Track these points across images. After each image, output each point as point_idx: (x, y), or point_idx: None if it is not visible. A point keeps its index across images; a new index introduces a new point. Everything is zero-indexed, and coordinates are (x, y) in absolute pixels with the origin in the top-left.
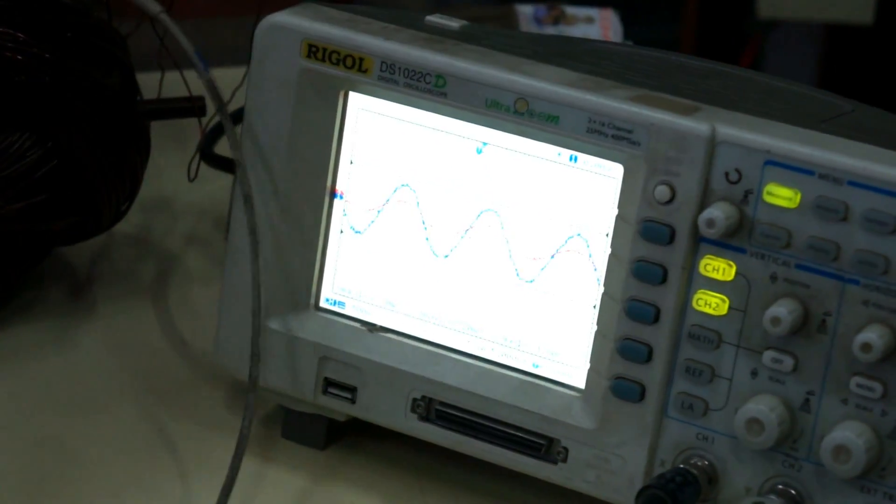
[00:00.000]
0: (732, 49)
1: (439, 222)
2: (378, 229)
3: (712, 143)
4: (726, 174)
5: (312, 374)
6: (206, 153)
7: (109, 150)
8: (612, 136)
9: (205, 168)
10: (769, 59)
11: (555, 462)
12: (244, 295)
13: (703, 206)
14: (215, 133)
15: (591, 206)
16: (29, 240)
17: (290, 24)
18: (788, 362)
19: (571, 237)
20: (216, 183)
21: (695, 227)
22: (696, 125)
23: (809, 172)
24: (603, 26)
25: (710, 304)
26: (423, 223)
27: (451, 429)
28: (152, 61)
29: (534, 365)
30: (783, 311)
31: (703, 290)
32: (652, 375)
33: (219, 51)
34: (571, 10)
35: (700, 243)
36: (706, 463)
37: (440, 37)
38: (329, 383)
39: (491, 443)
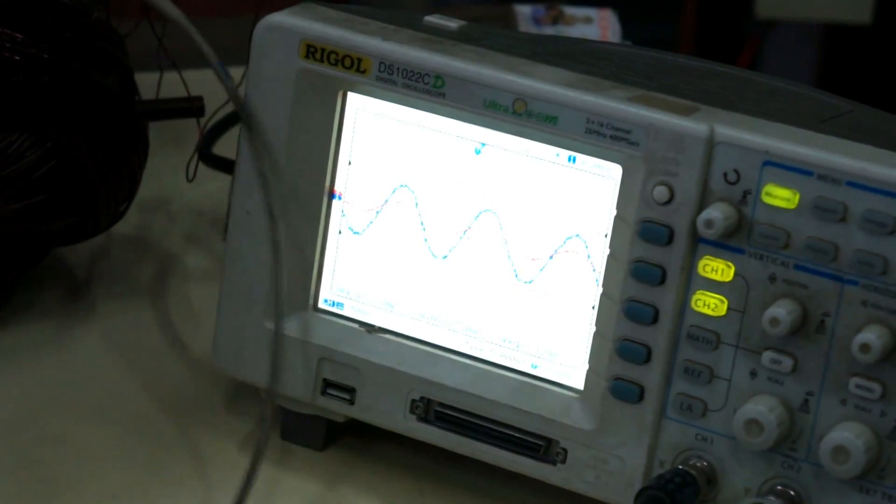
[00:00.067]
0: (731, 49)
1: (438, 223)
2: (377, 230)
3: (711, 144)
4: (725, 175)
5: (311, 375)
6: (205, 153)
7: (108, 150)
8: (611, 137)
9: (203, 168)
10: (768, 59)
11: (554, 463)
12: (243, 296)
13: (701, 206)
14: (214, 133)
15: (589, 207)
16: (27, 240)
17: (288, 24)
18: (787, 363)
19: (570, 238)
20: (215, 183)
21: (693, 227)
22: (694, 126)
23: (808, 173)
24: (601, 26)
25: (709, 304)
26: (422, 224)
27: (449, 430)
28: (151, 61)
29: (532, 366)
30: (782, 311)
31: (701, 291)
32: (651, 376)
33: (218, 51)
34: (570, 11)
35: (699, 244)
36: (705, 464)
37: (438, 37)
38: (328, 384)
39: (490, 444)
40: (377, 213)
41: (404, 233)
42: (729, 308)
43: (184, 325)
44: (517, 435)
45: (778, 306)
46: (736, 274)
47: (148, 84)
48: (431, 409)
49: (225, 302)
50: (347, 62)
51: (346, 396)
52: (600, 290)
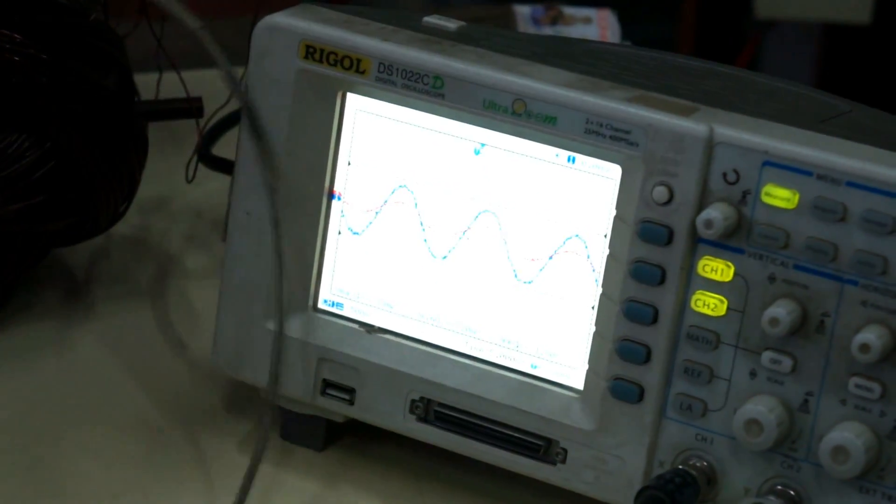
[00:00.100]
0: (730, 49)
1: (437, 223)
2: (376, 230)
3: (710, 144)
4: (724, 175)
5: (311, 375)
6: (204, 154)
7: (107, 150)
8: (610, 137)
9: (202, 169)
10: (767, 59)
11: (553, 463)
12: (243, 296)
13: (701, 206)
14: (213, 134)
15: (589, 207)
16: (27, 241)
17: (287, 25)
18: (787, 363)
19: (569, 238)
20: (214, 184)
21: (693, 227)
22: (694, 126)
23: (807, 173)
24: (601, 27)
25: (709, 304)
26: (422, 224)
27: (449, 430)
28: (150, 62)
29: (532, 366)
30: (782, 311)
31: (701, 291)
32: (650, 376)
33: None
34: (569, 11)
35: (698, 244)
36: (705, 464)
37: (438, 38)
38: (327, 384)
39: (489, 444)
40: (377, 213)
41: (404, 233)
42: (728, 308)
43: (183, 325)
44: (517, 435)
45: (777, 306)
46: (735, 274)
47: (147, 85)
48: (431, 410)
49: (224, 302)
50: (347, 63)
51: (346, 397)
52: (600, 290)
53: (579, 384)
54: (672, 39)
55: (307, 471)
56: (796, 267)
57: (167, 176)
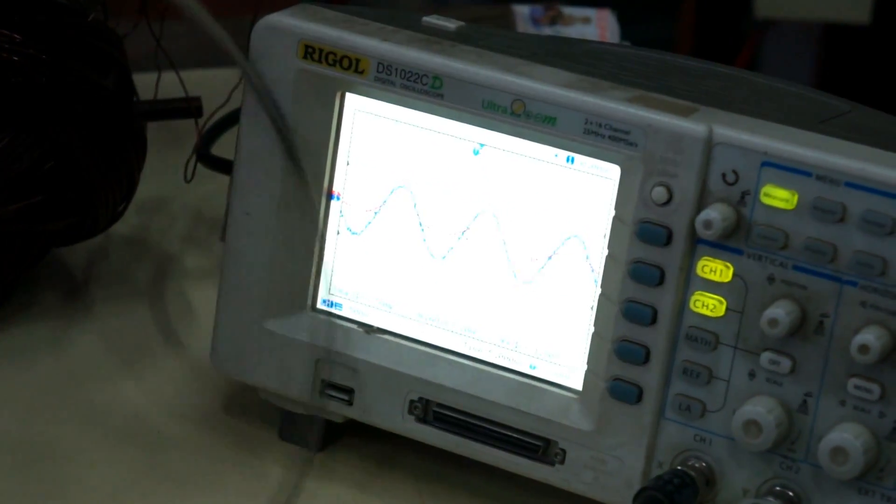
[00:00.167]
0: (730, 49)
1: (436, 223)
2: (375, 230)
3: (709, 145)
4: (723, 175)
5: (309, 375)
6: (203, 154)
7: (106, 150)
8: (609, 138)
9: (201, 169)
10: (766, 59)
11: (552, 464)
12: (242, 296)
13: (700, 207)
14: (212, 134)
15: (588, 208)
16: (26, 240)
17: (286, 25)
18: (786, 364)
19: (568, 238)
20: (213, 184)
21: (692, 228)
22: (693, 126)
23: (807, 174)
24: (600, 27)
25: (708, 305)
26: (420, 224)
27: (448, 430)
28: (149, 62)
29: (531, 366)
30: (781, 312)
31: (700, 292)
32: (649, 377)
33: (216, 51)
34: (568, 11)
35: (697, 245)
36: (704, 465)
37: (437, 38)
38: (326, 385)
39: (488, 444)
40: (375, 213)
41: (403, 233)
42: (727, 309)
43: (182, 325)
44: (516, 435)
45: (776, 307)
46: (734, 275)
47: (146, 84)
48: (430, 410)
49: (223, 303)
50: (346, 63)
51: (345, 397)
52: (599, 290)
53: (578, 385)
54: (671, 39)
55: (306, 471)
56: (795, 268)
57: (166, 176)
